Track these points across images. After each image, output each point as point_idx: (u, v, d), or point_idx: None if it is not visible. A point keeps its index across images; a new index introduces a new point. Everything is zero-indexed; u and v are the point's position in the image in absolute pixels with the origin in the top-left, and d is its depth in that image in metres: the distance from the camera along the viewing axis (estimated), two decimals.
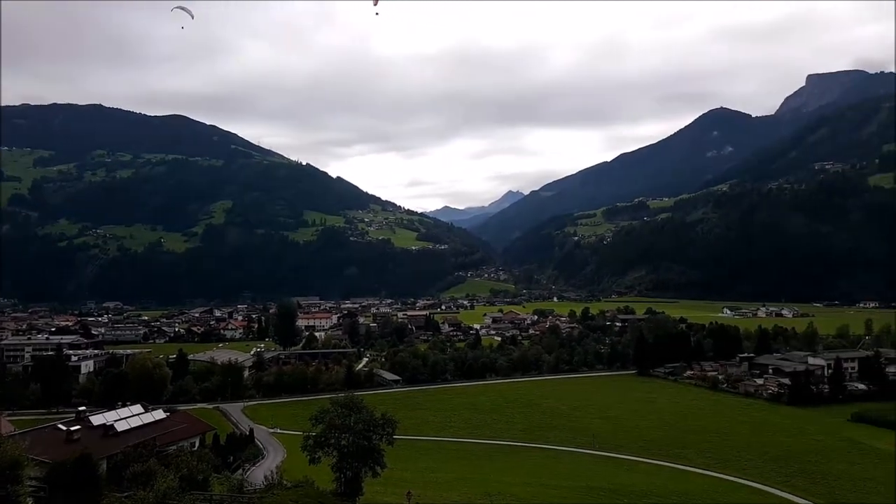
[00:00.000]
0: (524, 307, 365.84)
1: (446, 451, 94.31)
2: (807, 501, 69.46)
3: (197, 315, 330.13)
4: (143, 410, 72.11)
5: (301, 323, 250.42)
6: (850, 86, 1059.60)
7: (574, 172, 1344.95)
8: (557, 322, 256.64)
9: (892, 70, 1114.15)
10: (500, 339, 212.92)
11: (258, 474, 67.24)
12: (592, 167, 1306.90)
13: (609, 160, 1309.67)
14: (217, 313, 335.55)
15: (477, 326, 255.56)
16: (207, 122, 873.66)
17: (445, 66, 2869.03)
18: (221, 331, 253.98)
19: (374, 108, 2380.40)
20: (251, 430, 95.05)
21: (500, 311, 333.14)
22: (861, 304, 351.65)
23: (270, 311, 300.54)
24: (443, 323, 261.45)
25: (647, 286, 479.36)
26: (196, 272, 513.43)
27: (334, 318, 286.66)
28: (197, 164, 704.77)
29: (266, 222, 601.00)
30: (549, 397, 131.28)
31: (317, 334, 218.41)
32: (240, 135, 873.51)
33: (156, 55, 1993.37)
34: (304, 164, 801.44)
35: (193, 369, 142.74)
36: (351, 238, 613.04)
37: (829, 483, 74.94)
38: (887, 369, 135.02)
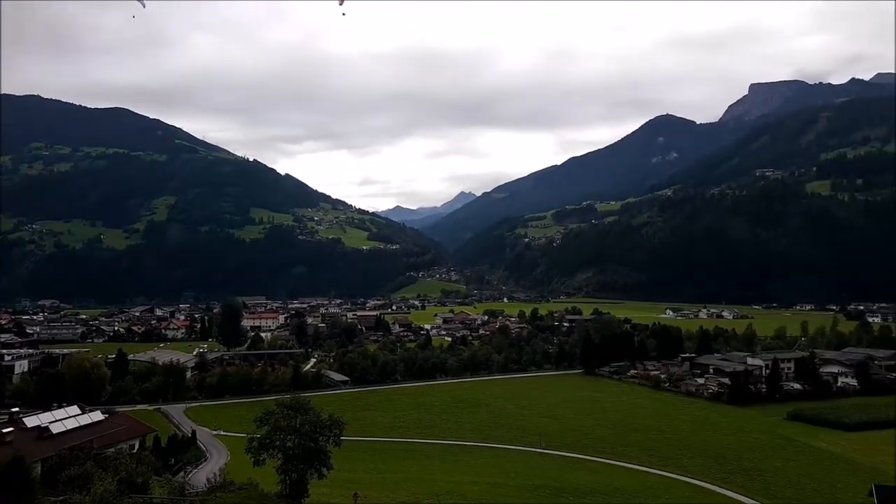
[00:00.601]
0: (475, 308, 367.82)
1: (395, 451, 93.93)
2: (744, 498, 71.73)
3: (137, 314, 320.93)
4: (80, 412, 70.17)
5: (246, 323, 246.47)
6: (791, 95, 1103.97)
7: (525, 175, 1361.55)
8: (507, 322, 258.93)
9: (831, 81, 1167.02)
10: (450, 339, 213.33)
11: (200, 477, 65.72)
12: (543, 170, 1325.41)
13: (559, 163, 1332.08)
14: (158, 312, 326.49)
15: (428, 327, 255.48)
16: (151, 116, 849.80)
17: (399, 64, 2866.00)
18: (163, 330, 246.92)
19: (326, 105, 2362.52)
20: (194, 432, 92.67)
21: (451, 311, 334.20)
22: (798, 307, 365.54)
23: (214, 310, 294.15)
24: (393, 323, 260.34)
25: (594, 287, 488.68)
26: (137, 270, 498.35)
27: (281, 319, 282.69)
28: (139, 158, 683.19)
29: (211, 219, 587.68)
30: (498, 397, 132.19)
31: (263, 335, 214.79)
32: (185, 129, 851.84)
33: (98, 46, 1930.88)
34: (251, 160, 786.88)
35: (134, 370, 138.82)
36: (300, 237, 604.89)
37: (765, 480, 77.53)
38: (822, 370, 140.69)
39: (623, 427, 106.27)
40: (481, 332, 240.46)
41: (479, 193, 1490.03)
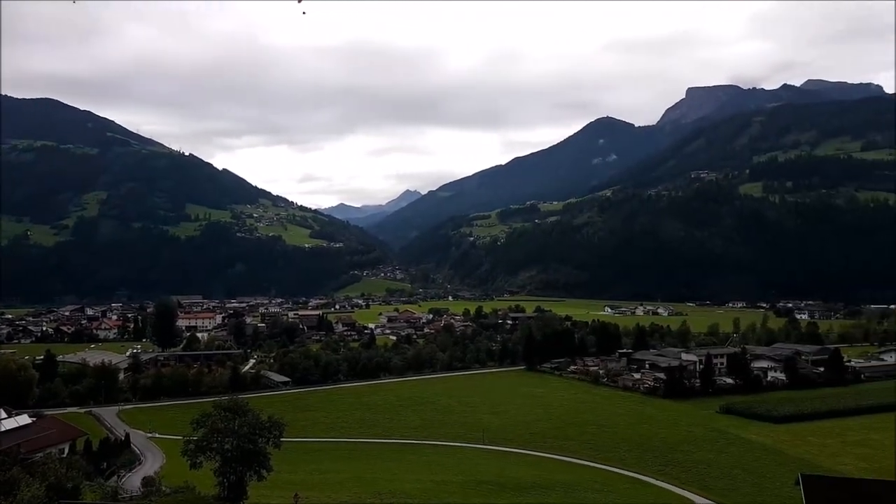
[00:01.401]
0: (420, 306, 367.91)
1: (337, 451, 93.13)
2: (679, 489, 74.12)
3: (67, 314, 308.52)
4: (5, 415, 67.27)
5: (182, 323, 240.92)
6: (726, 100, 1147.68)
7: (471, 174, 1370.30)
8: (452, 321, 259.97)
9: (764, 87, 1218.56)
10: (395, 338, 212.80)
11: (135, 481, 63.81)
12: (488, 169, 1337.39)
13: (504, 163, 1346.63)
14: (89, 312, 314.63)
15: (372, 326, 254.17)
16: (81, 108, 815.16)
17: (343, 59, 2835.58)
18: (94, 331, 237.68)
19: (267, 98, 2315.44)
20: (127, 436, 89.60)
21: (396, 310, 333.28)
22: (730, 304, 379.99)
23: (148, 310, 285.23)
24: (336, 323, 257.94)
25: (537, 285, 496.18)
26: (66, 268, 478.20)
27: (219, 318, 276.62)
28: (69, 151, 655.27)
29: (144, 215, 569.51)
30: (442, 395, 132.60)
31: (199, 335, 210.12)
32: (117, 122, 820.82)
33: (26, 33, 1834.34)
34: (187, 154, 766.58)
35: (63, 371, 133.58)
36: (238, 234, 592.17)
37: (699, 471, 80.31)
38: (752, 365, 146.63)
39: (563, 422, 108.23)
40: (426, 330, 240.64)
41: (424, 192, 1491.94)
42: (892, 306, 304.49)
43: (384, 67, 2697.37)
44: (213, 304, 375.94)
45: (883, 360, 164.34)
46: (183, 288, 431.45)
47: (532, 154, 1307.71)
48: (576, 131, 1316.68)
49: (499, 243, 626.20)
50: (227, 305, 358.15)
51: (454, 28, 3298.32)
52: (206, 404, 57.55)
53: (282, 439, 52.21)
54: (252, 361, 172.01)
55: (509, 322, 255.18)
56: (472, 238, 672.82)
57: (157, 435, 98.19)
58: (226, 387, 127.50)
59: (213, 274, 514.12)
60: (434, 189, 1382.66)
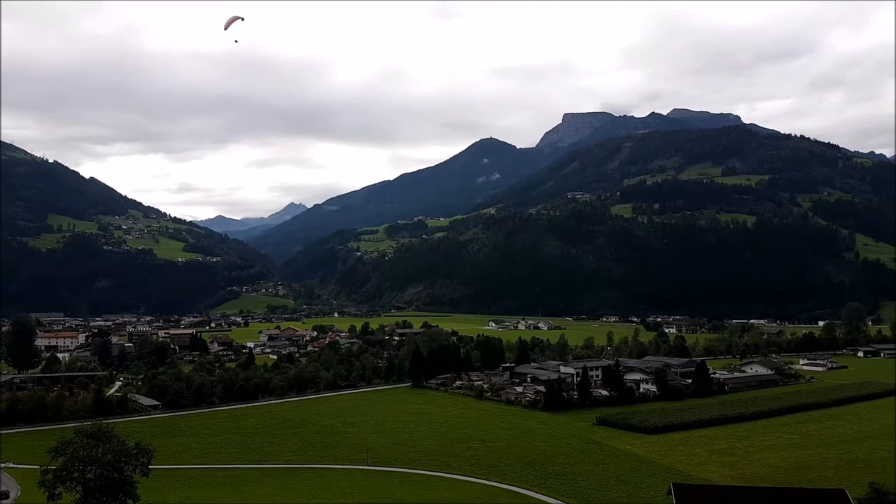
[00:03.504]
0: (304, 323, 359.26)
1: (211, 478, 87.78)
2: (558, 502, 75.77)
3: None
4: None
5: (41, 342, 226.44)
6: (599, 126, 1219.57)
7: (359, 188, 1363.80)
8: (337, 338, 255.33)
9: (634, 114, 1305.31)
10: (276, 357, 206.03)
11: None
12: (377, 184, 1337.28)
13: (392, 178, 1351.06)
14: None
15: (251, 344, 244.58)
16: None
17: (225, 67, 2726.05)
18: None
19: (140, 104, 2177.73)
20: None
21: (278, 327, 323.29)
22: (604, 319, 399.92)
23: (3, 328, 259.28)
24: (212, 342, 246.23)
25: (424, 301, 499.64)
26: None
27: (82, 338, 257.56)
28: None
29: (1, 226, 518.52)
30: (325, 415, 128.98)
31: (60, 356, 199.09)
32: None
33: None
34: (50, 161, 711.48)
35: None
36: (105, 247, 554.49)
37: (578, 483, 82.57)
38: (626, 377, 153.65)
39: (448, 438, 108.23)
40: (310, 348, 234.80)
41: (310, 205, 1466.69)
42: (752, 321, 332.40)
43: (269, 77, 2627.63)
44: (77, 322, 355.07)
45: (744, 371, 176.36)
46: (43, 305, 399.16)
47: (420, 170, 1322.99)
48: (461, 150, 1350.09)
49: (386, 258, 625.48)
50: (92, 324, 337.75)
51: (342, 42, 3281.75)
52: (67, 430, 54.26)
53: (150, 467, 50.38)
54: (118, 384, 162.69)
55: (396, 338, 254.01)
56: (359, 253, 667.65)
57: (12, 465, 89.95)
58: (89, 411, 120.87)
59: (76, 290, 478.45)
60: (320, 202, 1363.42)
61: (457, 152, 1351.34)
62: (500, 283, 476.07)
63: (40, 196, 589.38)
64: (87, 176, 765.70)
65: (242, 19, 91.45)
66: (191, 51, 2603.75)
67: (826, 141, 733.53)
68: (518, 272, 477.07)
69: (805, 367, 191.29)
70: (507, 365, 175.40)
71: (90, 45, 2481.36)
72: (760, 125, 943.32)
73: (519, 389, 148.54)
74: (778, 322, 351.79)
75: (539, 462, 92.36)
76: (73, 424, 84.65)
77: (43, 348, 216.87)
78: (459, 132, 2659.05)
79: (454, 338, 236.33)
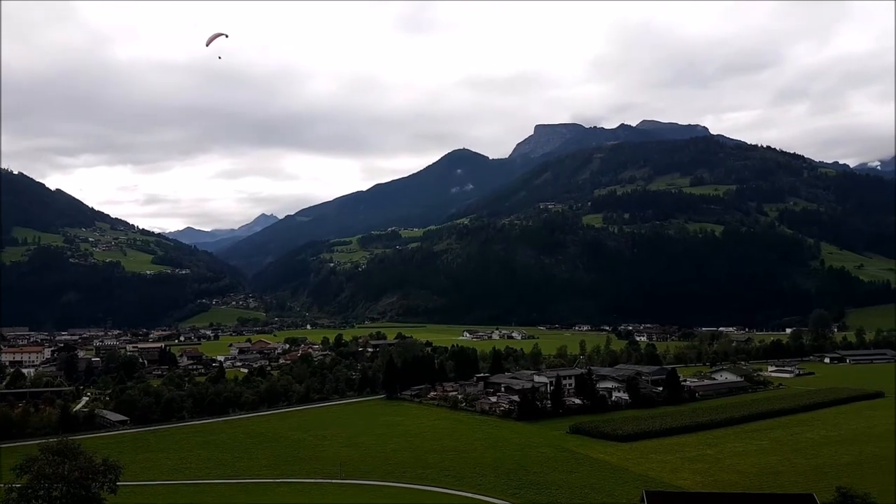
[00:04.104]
0: (275, 336, 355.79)
1: (181, 494, 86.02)
2: None
3: None
4: None
5: (5, 358, 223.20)
6: (570, 137, 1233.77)
7: (331, 199, 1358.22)
8: (310, 350, 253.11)
9: (604, 126, 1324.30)
10: (247, 370, 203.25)
11: None
12: (349, 195, 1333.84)
13: (365, 189, 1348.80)
14: None
15: (221, 358, 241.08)
16: None
17: (194, 77, 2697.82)
18: None
19: (108, 115, 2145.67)
20: None
21: (249, 340, 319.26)
22: (577, 328, 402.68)
23: None
24: (181, 356, 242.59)
25: (398, 312, 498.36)
26: None
27: (47, 352, 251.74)
28: None
29: None
30: (298, 429, 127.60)
31: (25, 371, 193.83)
32: None
33: None
34: (15, 172, 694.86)
35: None
36: (71, 260, 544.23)
37: (552, 492, 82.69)
38: (598, 385, 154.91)
39: (422, 449, 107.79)
40: (282, 361, 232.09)
41: (281, 216, 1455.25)
42: (721, 328, 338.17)
43: (240, 87, 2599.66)
44: (42, 336, 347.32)
45: (714, 378, 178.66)
46: (8, 319, 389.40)
47: (393, 181, 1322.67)
48: (435, 161, 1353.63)
49: (360, 269, 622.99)
50: (58, 338, 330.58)
51: (315, 53, 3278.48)
52: (32, 447, 52.76)
53: (118, 483, 49.81)
54: (85, 399, 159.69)
55: (370, 350, 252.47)
56: (332, 264, 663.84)
57: None
58: (55, 427, 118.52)
59: (42, 303, 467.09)
60: (292, 213, 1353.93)
61: (430, 163, 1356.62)
62: (473, 292, 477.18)
63: (5, 208, 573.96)
64: (52, 188, 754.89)
65: (226, 36, 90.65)
66: (159, 61, 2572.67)
67: (791, 151, 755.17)
68: (492, 282, 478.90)
69: (773, 374, 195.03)
70: (482, 375, 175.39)
71: (57, 54, 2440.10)
72: (727, 136, 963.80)
73: (493, 399, 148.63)
74: (746, 329, 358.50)
75: (513, 472, 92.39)
76: (38, 441, 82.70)
77: (7, 363, 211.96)
78: (432, 143, 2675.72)
79: (428, 348, 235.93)
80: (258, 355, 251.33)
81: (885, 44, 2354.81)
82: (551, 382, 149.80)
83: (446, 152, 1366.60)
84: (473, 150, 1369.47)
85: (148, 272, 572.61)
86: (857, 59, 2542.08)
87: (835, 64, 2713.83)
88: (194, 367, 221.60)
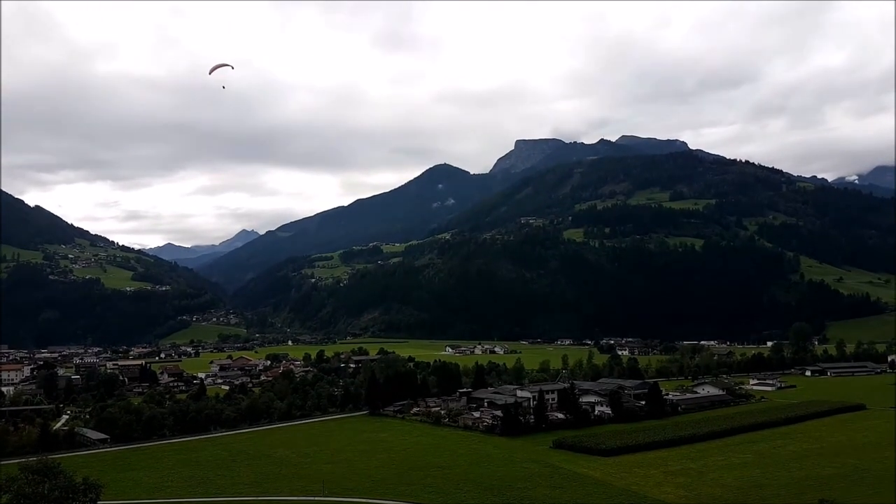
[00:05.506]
0: (257, 352, 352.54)
1: None
2: None
3: None
4: None
5: None
6: (550, 152, 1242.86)
7: (312, 214, 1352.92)
8: (292, 366, 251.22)
9: (584, 141, 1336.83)
10: (228, 387, 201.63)
11: None
12: (330, 210, 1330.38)
13: (346, 204, 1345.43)
14: None
15: (202, 375, 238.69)
16: None
17: (174, 92, 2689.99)
18: None
19: (87, 131, 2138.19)
20: None
21: (230, 357, 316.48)
22: (559, 342, 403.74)
23: None
24: (161, 373, 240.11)
25: (380, 327, 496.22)
26: None
27: (27, 370, 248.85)
28: None
29: None
30: (279, 446, 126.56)
31: (4, 389, 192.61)
32: None
33: None
34: None
35: None
36: (50, 276, 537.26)
37: None
38: (581, 399, 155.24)
39: (405, 466, 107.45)
40: (263, 378, 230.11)
41: (262, 232, 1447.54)
42: (703, 342, 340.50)
43: (220, 102, 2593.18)
44: (21, 354, 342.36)
45: (697, 392, 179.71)
46: None
47: (374, 196, 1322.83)
48: (416, 176, 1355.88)
49: (342, 285, 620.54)
50: (37, 356, 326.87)
51: (294, 69, 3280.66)
52: (11, 467, 52.13)
53: (99, 502, 49.78)
54: (65, 417, 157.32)
55: (352, 365, 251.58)
56: (313, 279, 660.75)
57: None
58: (35, 446, 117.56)
59: (21, 321, 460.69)
60: (273, 229, 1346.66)
61: (411, 178, 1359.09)
62: (456, 307, 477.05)
63: None
64: (31, 204, 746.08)
65: (232, 67, 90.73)
66: (139, 76, 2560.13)
67: (770, 166, 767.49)
68: (473, 297, 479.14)
69: (755, 387, 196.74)
70: (465, 390, 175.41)
71: (37, 70, 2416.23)
72: (706, 151, 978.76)
73: (476, 415, 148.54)
74: (727, 343, 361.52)
75: (497, 488, 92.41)
76: (18, 460, 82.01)
77: None
78: (413, 158, 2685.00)
79: (411, 364, 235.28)
80: (239, 372, 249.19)
81: (861, 60, 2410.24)
82: (534, 397, 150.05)
83: (427, 167, 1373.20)
84: (454, 165, 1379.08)
85: (128, 289, 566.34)
86: (834, 75, 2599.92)
87: (811, 80, 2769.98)
88: (175, 384, 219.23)
